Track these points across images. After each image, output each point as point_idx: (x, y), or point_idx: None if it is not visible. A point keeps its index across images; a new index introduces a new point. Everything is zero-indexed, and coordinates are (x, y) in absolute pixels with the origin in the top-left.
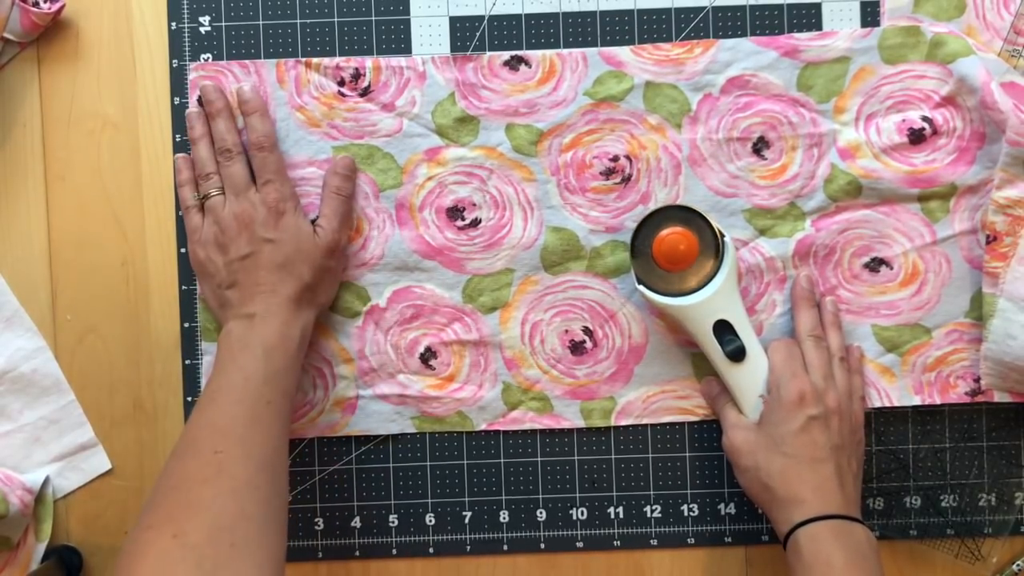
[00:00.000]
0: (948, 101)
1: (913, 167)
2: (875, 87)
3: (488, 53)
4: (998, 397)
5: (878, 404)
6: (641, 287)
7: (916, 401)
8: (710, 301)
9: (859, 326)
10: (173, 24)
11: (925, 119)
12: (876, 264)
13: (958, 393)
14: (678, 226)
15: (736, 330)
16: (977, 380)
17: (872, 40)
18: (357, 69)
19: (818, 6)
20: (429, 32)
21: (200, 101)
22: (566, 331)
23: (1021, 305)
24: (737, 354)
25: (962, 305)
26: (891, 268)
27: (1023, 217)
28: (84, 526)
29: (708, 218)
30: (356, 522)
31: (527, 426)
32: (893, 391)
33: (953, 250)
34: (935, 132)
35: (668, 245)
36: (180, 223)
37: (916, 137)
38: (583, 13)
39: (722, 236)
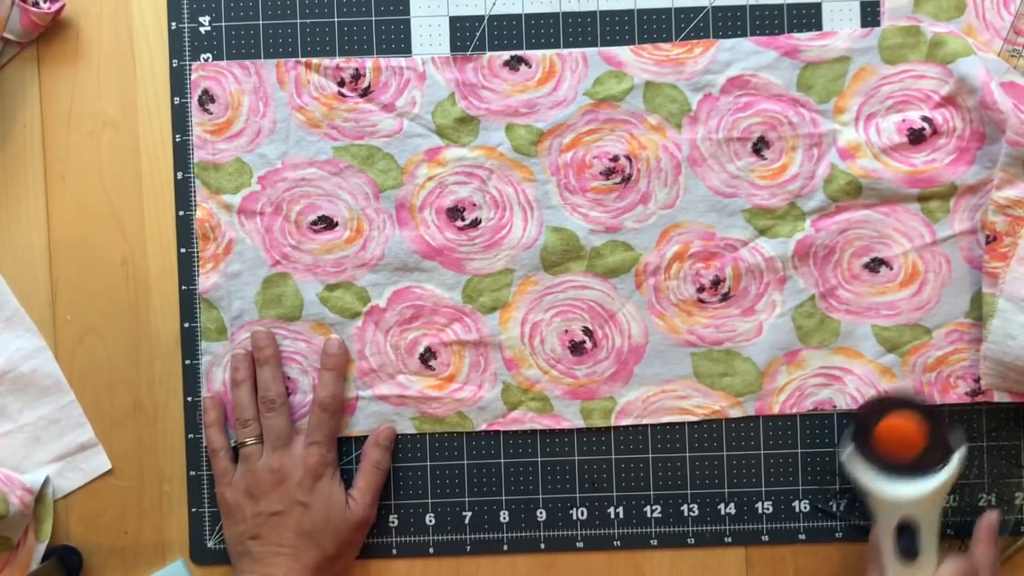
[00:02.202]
0: (948, 101)
1: (913, 167)
2: (875, 87)
3: (488, 53)
4: (998, 397)
5: None
6: (850, 453)
7: None
8: (913, 497)
9: (859, 326)
10: (173, 24)
11: (925, 119)
12: (876, 264)
13: (958, 393)
14: (913, 417)
15: (921, 532)
16: (977, 380)
17: (872, 40)
18: (357, 69)
19: (818, 6)
20: (429, 32)
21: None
22: (566, 331)
23: (1021, 305)
24: (909, 553)
25: (962, 305)
26: (891, 268)
27: (1023, 217)
28: (84, 526)
29: (943, 422)
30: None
31: (527, 426)
32: None
33: (953, 250)
34: (935, 132)
35: (896, 431)
36: (180, 223)
37: (916, 137)
38: (583, 13)
39: (955, 441)
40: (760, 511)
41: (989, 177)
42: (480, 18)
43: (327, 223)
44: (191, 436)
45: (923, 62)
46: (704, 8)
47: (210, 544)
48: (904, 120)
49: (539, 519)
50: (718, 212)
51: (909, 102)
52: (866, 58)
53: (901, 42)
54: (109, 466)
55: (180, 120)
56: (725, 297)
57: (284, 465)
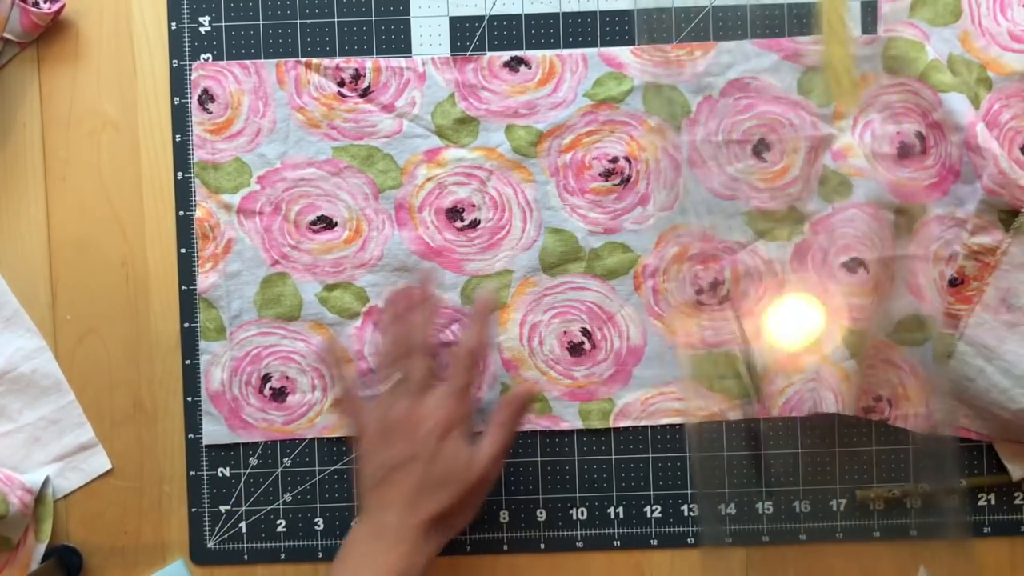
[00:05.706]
0: (936, 127)
1: (897, 179)
2: (875, 95)
3: (488, 54)
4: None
5: (834, 410)
6: None
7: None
8: None
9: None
10: (173, 24)
11: (919, 135)
12: (854, 264)
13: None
14: None
15: None
16: (878, 399)
17: (876, 48)
18: (357, 70)
19: (818, 6)
20: (429, 32)
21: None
22: (564, 332)
23: (981, 350)
24: None
25: (886, 326)
26: (855, 273)
27: (992, 264)
28: (84, 526)
29: None
30: (356, 522)
31: (526, 427)
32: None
33: (901, 270)
34: (924, 151)
35: None
36: (180, 222)
37: (904, 152)
38: (583, 13)
39: None
40: (760, 511)
41: (951, 214)
42: (480, 18)
43: (326, 223)
44: (191, 436)
45: (916, 79)
46: (704, 8)
47: (210, 544)
48: (899, 132)
49: (539, 519)
50: (717, 215)
51: (907, 114)
52: (868, 65)
53: (902, 55)
54: (109, 466)
55: (180, 120)
56: (724, 299)
57: (418, 413)
